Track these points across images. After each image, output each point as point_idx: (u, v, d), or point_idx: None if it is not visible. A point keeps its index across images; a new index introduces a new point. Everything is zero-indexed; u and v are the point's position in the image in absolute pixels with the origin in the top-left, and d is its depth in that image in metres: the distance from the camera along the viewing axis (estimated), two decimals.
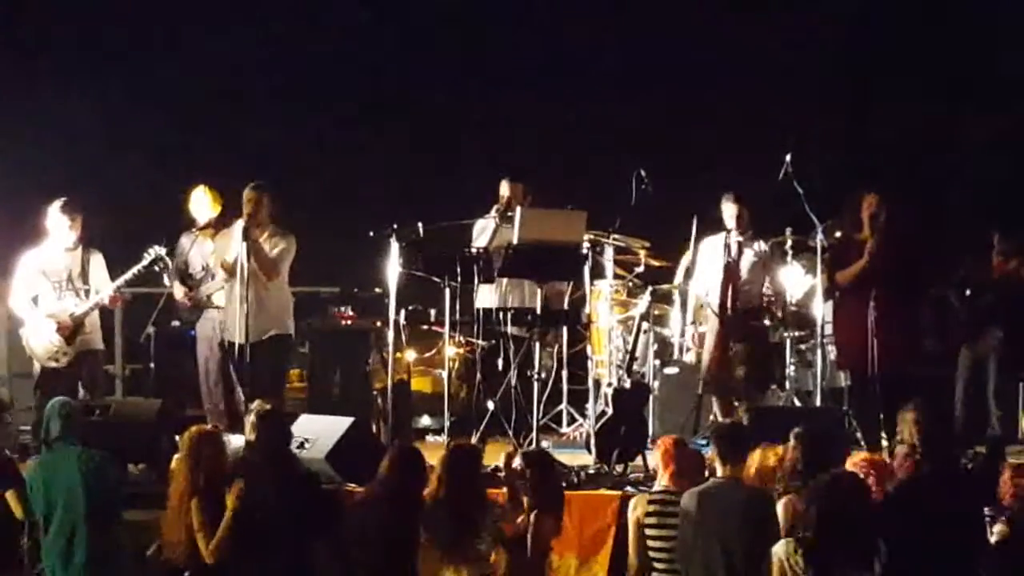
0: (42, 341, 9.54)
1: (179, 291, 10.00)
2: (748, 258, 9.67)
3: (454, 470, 6.89)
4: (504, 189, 10.08)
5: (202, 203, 10.04)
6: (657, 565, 6.85)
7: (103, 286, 9.56)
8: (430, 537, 6.81)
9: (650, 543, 6.87)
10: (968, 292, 9.57)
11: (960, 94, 12.54)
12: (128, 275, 9.58)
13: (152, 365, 10.85)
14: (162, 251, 9.58)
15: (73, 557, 7.45)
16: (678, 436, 7.65)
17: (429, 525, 6.83)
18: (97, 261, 9.64)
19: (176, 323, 10.55)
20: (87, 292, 9.56)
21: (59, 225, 9.56)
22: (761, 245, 9.75)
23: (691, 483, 6.93)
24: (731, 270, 9.60)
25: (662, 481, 7.12)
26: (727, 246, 9.64)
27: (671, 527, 6.83)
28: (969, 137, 12.62)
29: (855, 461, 7.12)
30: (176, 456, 7.44)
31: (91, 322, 9.61)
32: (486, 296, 9.72)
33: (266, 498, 7.08)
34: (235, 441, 8.69)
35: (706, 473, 7.42)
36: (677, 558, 6.75)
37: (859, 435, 8.98)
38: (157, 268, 9.63)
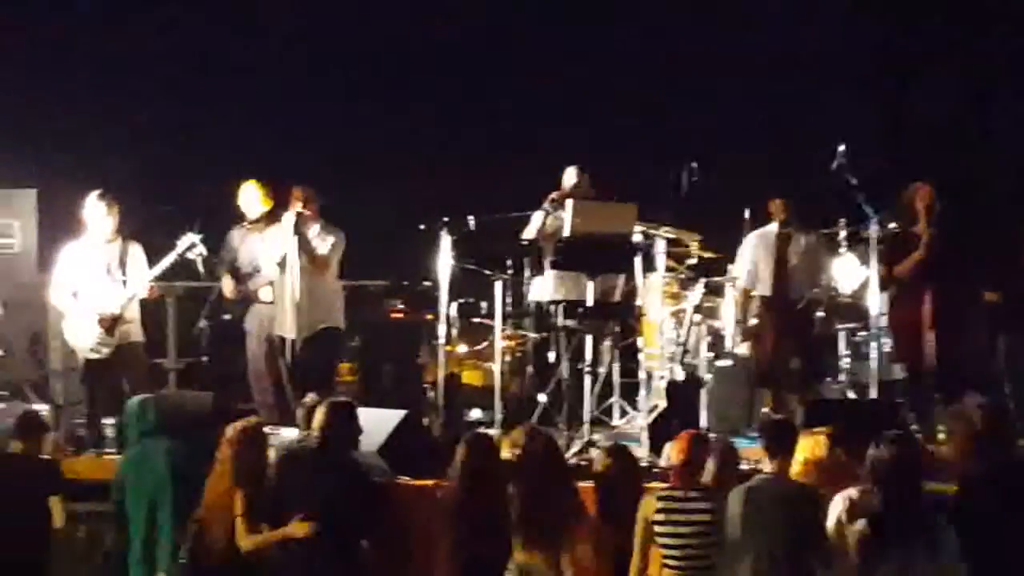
0: (83, 334, 9.48)
1: (228, 286, 10.01)
2: (796, 249, 9.72)
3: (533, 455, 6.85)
4: (572, 176, 9.94)
5: (252, 197, 10.04)
6: (669, 563, 6.77)
7: (141, 277, 9.48)
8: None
9: (659, 540, 6.79)
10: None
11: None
12: (164, 264, 9.46)
13: (205, 359, 10.83)
14: (196, 238, 9.42)
15: (157, 550, 7.48)
16: (699, 432, 7.52)
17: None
18: (136, 252, 9.53)
19: (227, 316, 10.53)
20: (126, 283, 9.46)
21: (95, 216, 9.48)
22: (809, 236, 9.75)
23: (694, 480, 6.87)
24: (780, 262, 9.59)
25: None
26: (777, 238, 9.67)
27: (679, 523, 6.75)
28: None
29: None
30: (219, 452, 7.36)
31: (130, 313, 9.52)
32: (539, 288, 9.66)
33: (316, 490, 7.04)
34: (285, 435, 8.70)
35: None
36: (723, 554, 6.66)
37: (915, 428, 8.88)
38: (192, 255, 9.46)
